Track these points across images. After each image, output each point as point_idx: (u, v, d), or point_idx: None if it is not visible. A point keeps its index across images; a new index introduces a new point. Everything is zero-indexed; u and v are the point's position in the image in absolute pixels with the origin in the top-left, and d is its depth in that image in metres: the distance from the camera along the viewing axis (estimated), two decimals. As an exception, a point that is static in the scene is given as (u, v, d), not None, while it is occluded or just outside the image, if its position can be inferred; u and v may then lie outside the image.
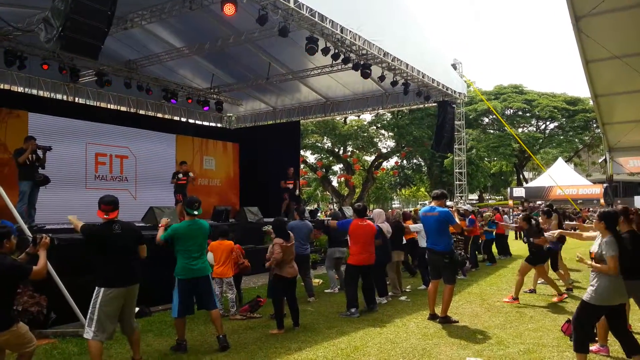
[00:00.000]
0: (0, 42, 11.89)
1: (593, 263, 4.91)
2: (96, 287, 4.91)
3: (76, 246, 7.20)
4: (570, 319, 5.49)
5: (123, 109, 16.93)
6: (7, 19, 9.85)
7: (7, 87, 13.71)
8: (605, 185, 24.13)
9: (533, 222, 9.00)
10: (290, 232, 7.13)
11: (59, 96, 15.11)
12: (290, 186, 15.31)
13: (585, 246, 5.53)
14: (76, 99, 15.55)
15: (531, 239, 8.78)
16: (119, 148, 15.54)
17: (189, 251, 5.85)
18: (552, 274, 9.59)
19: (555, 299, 8.62)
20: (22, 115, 13.01)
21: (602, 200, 28.41)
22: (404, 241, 10.19)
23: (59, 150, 13.53)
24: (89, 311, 4.88)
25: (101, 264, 4.98)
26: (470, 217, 12.99)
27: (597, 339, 5.64)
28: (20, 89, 14.16)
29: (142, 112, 17.47)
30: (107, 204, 5.03)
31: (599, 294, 4.81)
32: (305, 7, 10.24)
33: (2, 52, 12.06)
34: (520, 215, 9.65)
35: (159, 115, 18.14)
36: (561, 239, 10.16)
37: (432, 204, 7.52)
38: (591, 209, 29.83)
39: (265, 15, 10.00)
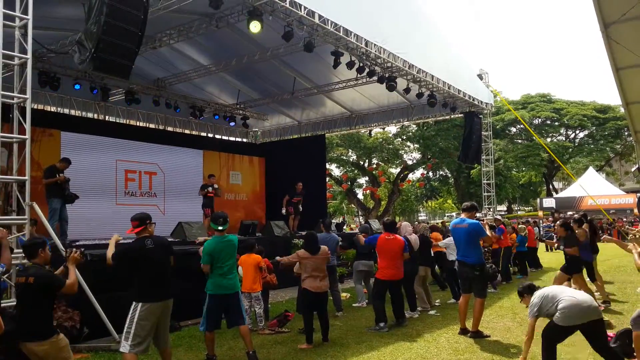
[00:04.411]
0: (35, 63, 12.26)
1: None
2: (133, 302, 5.00)
3: (108, 262, 7.32)
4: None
5: (152, 126, 17.25)
6: (41, 42, 10.20)
7: (40, 107, 14.09)
8: (638, 194, 23.46)
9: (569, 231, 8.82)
10: (321, 246, 7.13)
11: (90, 115, 15.50)
12: (299, 202, 14.54)
13: (619, 257, 5.39)
14: (106, 117, 15.95)
15: (565, 248, 8.58)
16: (148, 164, 15.83)
17: (219, 267, 5.89)
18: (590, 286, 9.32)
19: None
20: (55, 134, 13.40)
21: (635, 210, 27.65)
22: (432, 254, 10.08)
23: (90, 167, 13.92)
24: (126, 325, 4.95)
25: (137, 279, 5.07)
26: (499, 226, 12.79)
27: (635, 354, 5.46)
28: (53, 109, 14.60)
29: (170, 128, 17.77)
30: (134, 220, 5.21)
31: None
32: (330, 22, 10.33)
33: (36, 74, 12.43)
34: (558, 222, 9.49)
35: (187, 131, 18.41)
36: (594, 249, 9.92)
37: (462, 215, 7.43)
38: (625, 220, 29.03)
39: (290, 31, 10.11)
